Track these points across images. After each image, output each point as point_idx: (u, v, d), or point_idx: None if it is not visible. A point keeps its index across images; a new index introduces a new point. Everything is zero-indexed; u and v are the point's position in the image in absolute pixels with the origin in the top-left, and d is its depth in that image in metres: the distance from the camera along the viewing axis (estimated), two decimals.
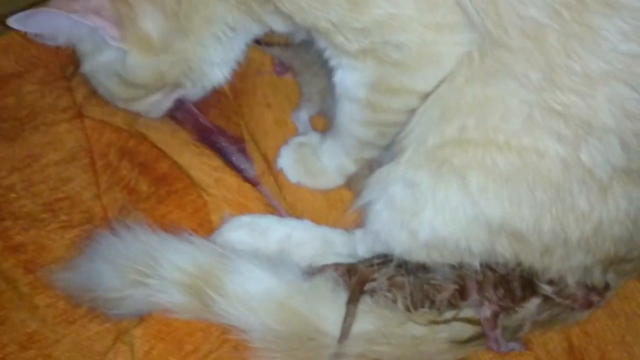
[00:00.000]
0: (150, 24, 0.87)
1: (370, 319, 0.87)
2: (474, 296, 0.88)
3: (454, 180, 0.76)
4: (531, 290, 0.88)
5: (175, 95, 1.03)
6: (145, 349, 0.88)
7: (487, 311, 0.87)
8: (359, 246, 0.96)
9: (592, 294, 0.87)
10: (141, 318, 0.90)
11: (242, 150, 1.12)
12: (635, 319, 0.95)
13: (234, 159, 1.11)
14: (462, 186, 0.75)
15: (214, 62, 0.96)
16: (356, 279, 0.90)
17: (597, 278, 0.84)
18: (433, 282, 0.89)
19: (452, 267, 0.89)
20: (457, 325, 0.89)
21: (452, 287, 0.89)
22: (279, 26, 0.88)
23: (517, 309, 0.89)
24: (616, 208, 0.73)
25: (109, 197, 1.04)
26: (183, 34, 0.90)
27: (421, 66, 0.78)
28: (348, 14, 0.75)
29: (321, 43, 0.85)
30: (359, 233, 0.97)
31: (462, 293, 0.90)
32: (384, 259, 0.91)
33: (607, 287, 0.88)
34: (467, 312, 0.91)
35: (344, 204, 1.06)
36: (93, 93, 1.11)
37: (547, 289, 0.87)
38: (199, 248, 0.89)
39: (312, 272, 0.92)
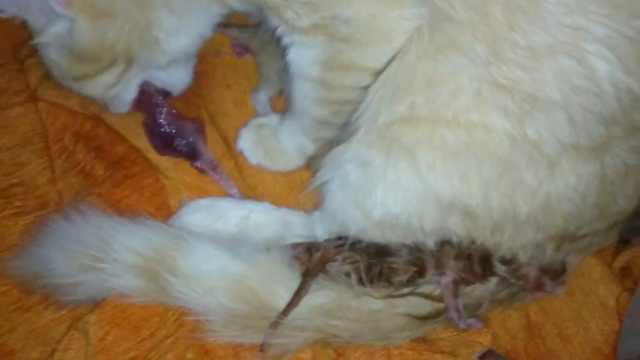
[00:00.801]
0: None
1: (325, 292, 0.87)
2: (431, 272, 0.89)
3: (404, 158, 0.75)
4: (488, 268, 0.88)
5: (133, 78, 0.99)
6: (99, 335, 0.87)
7: (447, 278, 0.88)
8: (317, 227, 0.96)
9: (545, 277, 0.88)
10: (96, 304, 0.89)
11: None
12: (591, 295, 0.96)
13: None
14: (412, 164, 0.75)
15: (168, 31, 0.90)
16: (319, 256, 0.90)
17: (550, 255, 0.84)
18: (393, 265, 0.89)
19: (411, 249, 0.89)
20: (415, 300, 0.90)
21: (411, 269, 0.90)
22: (235, 4, 0.86)
23: (476, 282, 0.89)
24: (564, 184, 0.73)
25: (64, 182, 1.03)
26: (136, 4, 0.86)
27: (371, 41, 0.77)
28: None
29: (273, 20, 0.84)
30: (317, 214, 0.96)
31: (420, 273, 0.90)
32: (344, 241, 0.91)
33: (562, 270, 0.88)
34: (426, 288, 0.91)
35: (305, 186, 1.05)
36: (47, 76, 1.09)
37: (500, 269, 0.88)
38: (153, 230, 0.88)
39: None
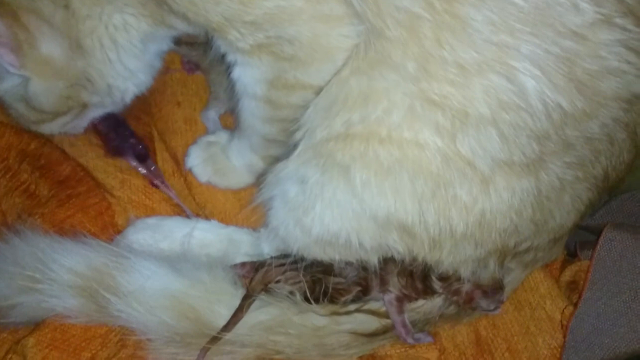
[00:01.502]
0: (51, 47, 0.85)
1: (267, 309, 0.86)
2: (376, 289, 0.88)
3: (340, 175, 0.75)
4: (429, 284, 0.88)
5: (90, 113, 1.01)
6: (38, 359, 0.85)
7: (390, 295, 0.88)
8: (263, 245, 0.95)
9: (477, 292, 0.88)
10: (35, 327, 0.87)
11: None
12: (539, 310, 0.96)
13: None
14: (347, 181, 0.74)
15: (125, 76, 0.93)
16: (260, 277, 0.88)
17: (492, 270, 0.84)
18: (338, 286, 0.89)
19: (356, 268, 0.88)
20: (361, 317, 0.89)
21: (356, 288, 0.89)
22: (181, 27, 0.87)
23: (419, 299, 0.90)
24: (499, 200, 0.73)
25: (8, 202, 1.01)
26: (85, 53, 0.88)
27: (314, 60, 0.77)
28: (238, 7, 0.75)
29: (218, 41, 0.84)
30: (262, 231, 0.96)
31: (364, 291, 0.90)
32: (287, 260, 0.90)
33: (498, 287, 0.88)
34: (373, 305, 0.91)
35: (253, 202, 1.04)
36: None
37: (437, 284, 0.88)
38: (92, 249, 0.87)
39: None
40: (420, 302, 0.92)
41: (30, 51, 0.84)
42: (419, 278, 0.88)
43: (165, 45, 0.98)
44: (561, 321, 0.91)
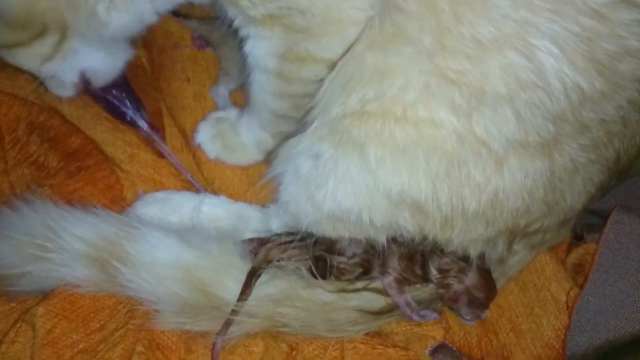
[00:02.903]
0: None
1: (276, 282, 0.87)
2: (377, 270, 0.89)
3: (354, 152, 0.75)
4: (427, 272, 0.89)
5: (70, 56, 0.90)
6: (47, 328, 0.85)
7: (389, 278, 0.88)
8: (272, 221, 0.96)
9: (464, 296, 0.88)
10: (44, 296, 0.87)
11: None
12: (544, 291, 0.96)
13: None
14: (362, 157, 0.75)
15: (109, 4, 0.83)
16: (263, 255, 0.89)
17: (501, 250, 0.85)
18: (341, 265, 0.89)
19: (359, 248, 0.89)
20: (368, 295, 0.90)
21: (358, 270, 0.90)
22: None
23: (417, 283, 0.90)
24: (512, 180, 0.73)
25: (17, 174, 1.01)
26: None
27: (326, 32, 0.77)
28: None
29: (229, 11, 0.84)
30: (272, 207, 0.96)
31: (366, 272, 0.90)
32: (293, 237, 0.91)
33: (484, 304, 0.89)
34: (379, 284, 0.91)
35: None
36: (2, 66, 1.06)
37: (433, 274, 0.89)
38: (102, 219, 0.87)
39: None
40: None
41: None
42: (418, 264, 0.88)
43: (155, 6, 0.89)
44: (566, 302, 0.91)
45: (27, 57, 0.89)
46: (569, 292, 0.92)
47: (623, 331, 0.83)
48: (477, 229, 0.79)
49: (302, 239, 0.89)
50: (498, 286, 0.95)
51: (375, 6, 0.71)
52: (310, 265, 0.87)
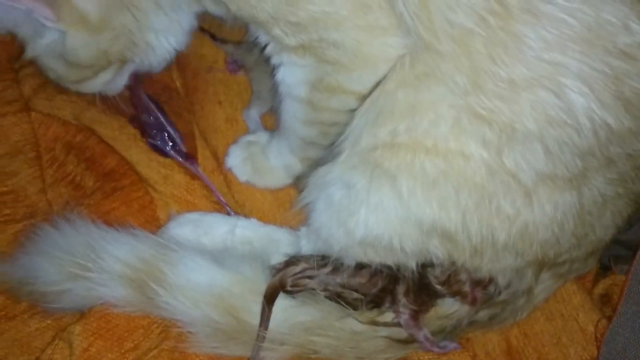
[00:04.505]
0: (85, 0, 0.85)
1: (308, 310, 0.88)
2: (387, 305, 0.91)
3: (386, 183, 0.77)
4: (432, 292, 0.90)
5: (128, 69, 1.02)
6: (84, 346, 0.88)
7: (404, 317, 0.89)
8: (302, 244, 0.97)
9: (477, 289, 0.89)
10: (81, 314, 0.90)
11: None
12: (571, 321, 0.97)
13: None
14: (394, 188, 0.76)
15: (158, 30, 0.94)
16: (276, 280, 0.90)
17: (529, 280, 0.86)
18: (353, 298, 0.91)
19: (376, 290, 0.91)
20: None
21: (369, 305, 0.91)
22: (212, 8, 0.88)
23: (430, 309, 0.91)
24: (541, 212, 0.74)
25: (54, 192, 1.04)
26: (121, 5, 0.88)
27: (356, 66, 0.79)
28: (284, 7, 0.76)
29: (262, 37, 0.86)
30: (302, 230, 0.98)
31: (376, 306, 0.92)
32: (324, 261, 0.92)
33: (490, 280, 0.89)
34: None
35: (292, 204, 1.06)
36: (41, 86, 1.10)
37: (439, 288, 0.89)
38: (141, 240, 0.89)
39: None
40: (453, 308, 0.94)
41: (66, 4, 0.84)
42: (418, 290, 0.89)
43: (201, 7, 0.95)
44: (595, 334, 0.91)
45: (92, 86, 0.98)
46: (597, 323, 0.92)
47: None
48: (506, 259, 0.80)
49: (310, 268, 0.91)
50: (524, 314, 0.95)
51: (408, 45, 0.73)
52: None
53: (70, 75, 0.95)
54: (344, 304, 0.90)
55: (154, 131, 1.09)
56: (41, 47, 0.91)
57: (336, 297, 0.90)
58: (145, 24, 0.91)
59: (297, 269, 0.92)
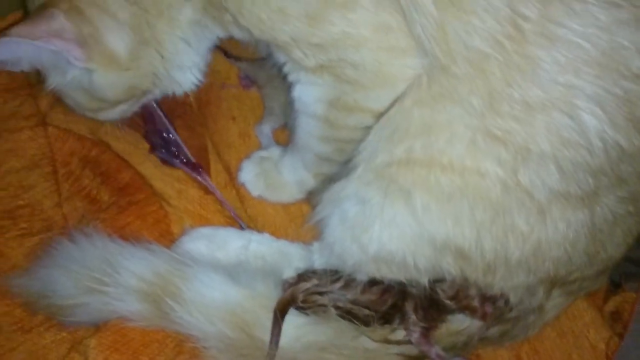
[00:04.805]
0: (116, 39, 0.87)
1: (322, 329, 0.89)
2: (396, 323, 0.91)
3: (401, 198, 0.78)
4: (442, 308, 0.90)
5: (147, 99, 1.04)
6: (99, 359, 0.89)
7: (415, 335, 0.90)
8: (315, 259, 0.98)
9: (487, 304, 0.89)
10: (97, 328, 0.91)
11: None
12: (582, 338, 0.98)
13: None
14: (408, 204, 0.77)
15: (185, 67, 0.96)
16: (288, 295, 0.91)
17: (540, 298, 0.86)
18: (363, 314, 0.92)
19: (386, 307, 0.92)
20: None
21: (380, 322, 0.92)
22: (238, 34, 0.89)
23: (439, 325, 0.91)
24: (555, 230, 0.75)
25: (70, 206, 1.05)
26: (149, 44, 0.90)
27: (375, 86, 0.80)
28: (306, 29, 0.78)
29: (280, 57, 0.88)
30: (315, 245, 0.99)
31: (386, 323, 0.92)
32: (336, 276, 0.93)
33: (501, 296, 0.89)
34: None
35: (304, 218, 1.08)
36: (57, 101, 1.12)
37: (448, 303, 0.90)
38: (157, 256, 0.91)
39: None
40: (465, 324, 0.94)
41: (96, 45, 0.86)
42: (427, 307, 0.90)
43: (213, 44, 0.98)
44: (606, 352, 0.92)
45: (110, 115, 1.00)
46: (608, 340, 0.93)
47: None
48: (519, 277, 0.81)
49: (320, 285, 0.91)
50: (535, 331, 0.96)
51: (425, 66, 0.75)
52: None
53: (90, 105, 0.97)
54: (355, 321, 0.91)
55: (160, 140, 1.10)
56: (64, 81, 0.92)
57: (347, 315, 0.91)
58: (172, 61, 0.92)
59: (308, 284, 0.93)
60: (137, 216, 1.04)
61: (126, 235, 0.98)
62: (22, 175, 1.06)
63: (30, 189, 1.05)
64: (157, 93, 1.00)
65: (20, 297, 0.92)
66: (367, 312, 0.91)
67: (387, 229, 0.80)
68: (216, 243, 1.00)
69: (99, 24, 0.85)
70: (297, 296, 0.91)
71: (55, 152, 1.09)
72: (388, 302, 0.91)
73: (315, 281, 0.93)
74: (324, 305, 0.91)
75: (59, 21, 0.83)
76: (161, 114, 1.11)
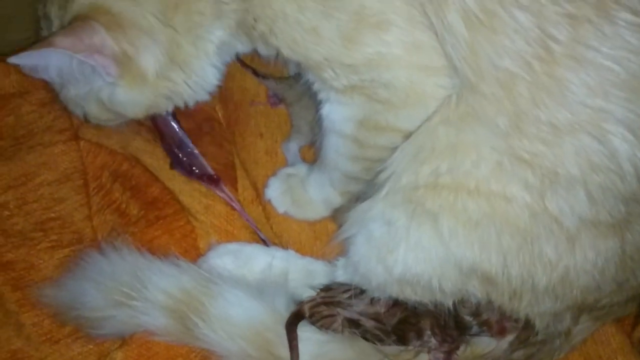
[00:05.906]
0: (149, 59, 0.88)
1: (342, 347, 0.90)
2: (412, 342, 0.91)
3: (427, 222, 0.78)
4: (462, 325, 0.90)
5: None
6: None
7: (437, 357, 0.89)
8: (339, 274, 0.98)
9: (505, 320, 0.88)
10: (123, 341, 0.92)
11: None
12: None
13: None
14: (435, 228, 0.77)
15: (206, 82, 0.95)
16: (296, 310, 0.92)
17: (567, 324, 0.85)
18: (375, 332, 0.92)
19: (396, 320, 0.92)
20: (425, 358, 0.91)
21: (392, 337, 0.92)
22: (263, 51, 0.90)
23: (460, 345, 0.91)
24: (583, 258, 0.74)
25: (100, 219, 1.07)
26: (176, 64, 0.91)
27: (407, 105, 0.80)
28: (340, 50, 0.78)
29: (310, 77, 0.88)
30: (341, 261, 0.99)
31: (400, 340, 0.92)
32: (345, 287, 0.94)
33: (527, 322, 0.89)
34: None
35: (330, 236, 1.08)
36: None
37: (469, 320, 0.89)
38: (185, 272, 0.92)
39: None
40: (489, 347, 0.93)
41: (129, 62, 0.87)
42: (444, 325, 0.89)
43: (250, 50, 0.97)
44: None
45: (116, 123, 1.01)
46: None
47: None
48: (545, 303, 0.80)
49: (331, 303, 0.92)
50: (561, 355, 0.95)
51: (456, 86, 0.75)
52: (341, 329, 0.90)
53: (101, 115, 0.97)
54: (368, 337, 0.90)
55: (174, 155, 1.11)
56: (81, 92, 0.93)
57: (357, 329, 0.91)
58: (195, 79, 0.93)
59: (315, 296, 0.93)
60: (165, 230, 1.05)
61: (153, 249, 0.99)
62: (54, 188, 1.08)
63: (62, 202, 1.07)
64: (170, 108, 1.00)
65: (49, 308, 0.94)
66: (375, 323, 0.90)
67: (413, 251, 0.80)
68: (242, 259, 1.01)
69: (137, 43, 0.86)
70: (304, 309, 0.92)
71: (87, 165, 1.11)
72: (397, 315, 0.91)
73: (322, 294, 0.94)
74: (332, 316, 0.91)
75: (101, 36, 0.83)
76: (176, 126, 1.11)
